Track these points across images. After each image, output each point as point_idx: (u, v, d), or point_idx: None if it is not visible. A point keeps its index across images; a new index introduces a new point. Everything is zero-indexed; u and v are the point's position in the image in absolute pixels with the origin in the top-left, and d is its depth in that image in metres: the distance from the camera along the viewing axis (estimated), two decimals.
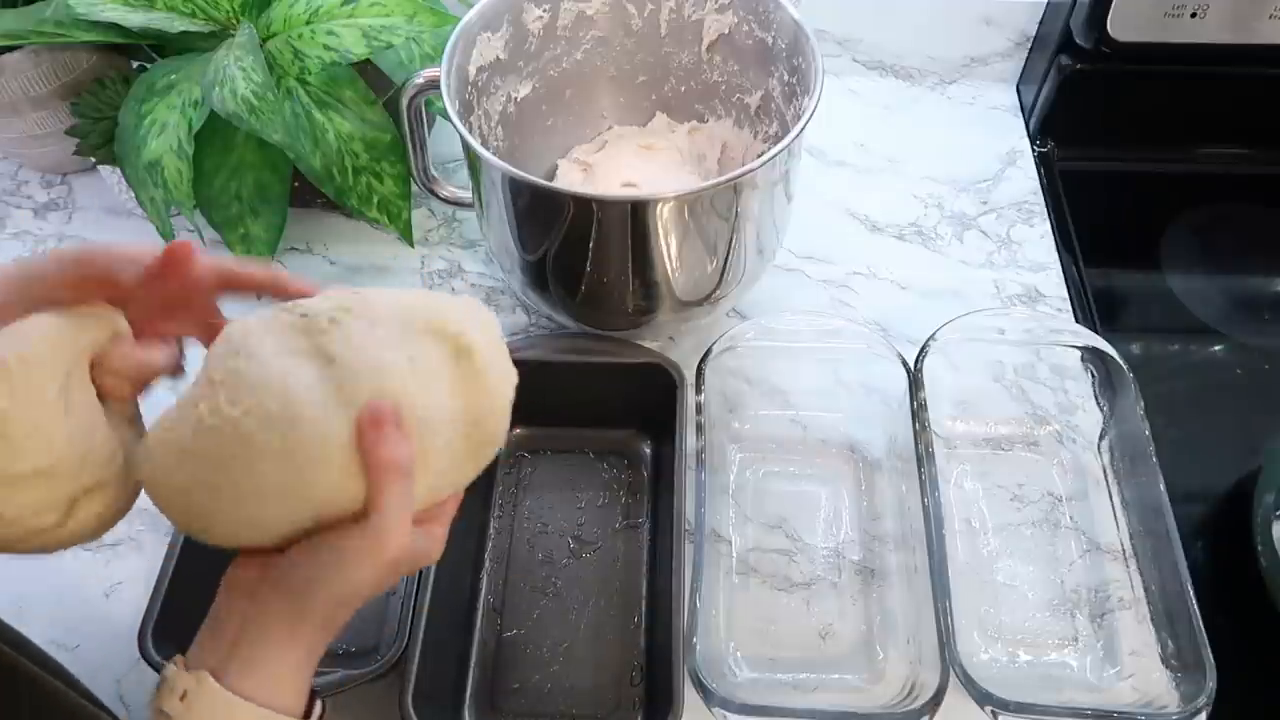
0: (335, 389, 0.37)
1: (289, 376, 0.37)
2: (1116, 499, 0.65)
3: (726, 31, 0.72)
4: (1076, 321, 0.76)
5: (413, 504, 0.38)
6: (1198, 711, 0.51)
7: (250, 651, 0.38)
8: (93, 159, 0.77)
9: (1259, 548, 0.60)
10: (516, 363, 0.65)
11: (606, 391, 0.68)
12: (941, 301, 0.78)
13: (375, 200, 0.75)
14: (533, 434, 0.71)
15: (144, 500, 0.40)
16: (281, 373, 0.37)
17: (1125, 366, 0.64)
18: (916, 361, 0.65)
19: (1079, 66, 0.85)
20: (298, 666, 0.39)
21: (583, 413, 0.69)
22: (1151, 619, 0.59)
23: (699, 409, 0.63)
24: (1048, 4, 0.88)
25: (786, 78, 0.68)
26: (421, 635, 0.54)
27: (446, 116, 0.60)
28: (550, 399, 0.68)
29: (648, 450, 0.70)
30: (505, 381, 0.43)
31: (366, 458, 0.37)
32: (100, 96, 0.72)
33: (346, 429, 0.37)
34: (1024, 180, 0.88)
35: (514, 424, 0.70)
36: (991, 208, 0.86)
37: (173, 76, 0.68)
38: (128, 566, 0.65)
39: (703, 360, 0.65)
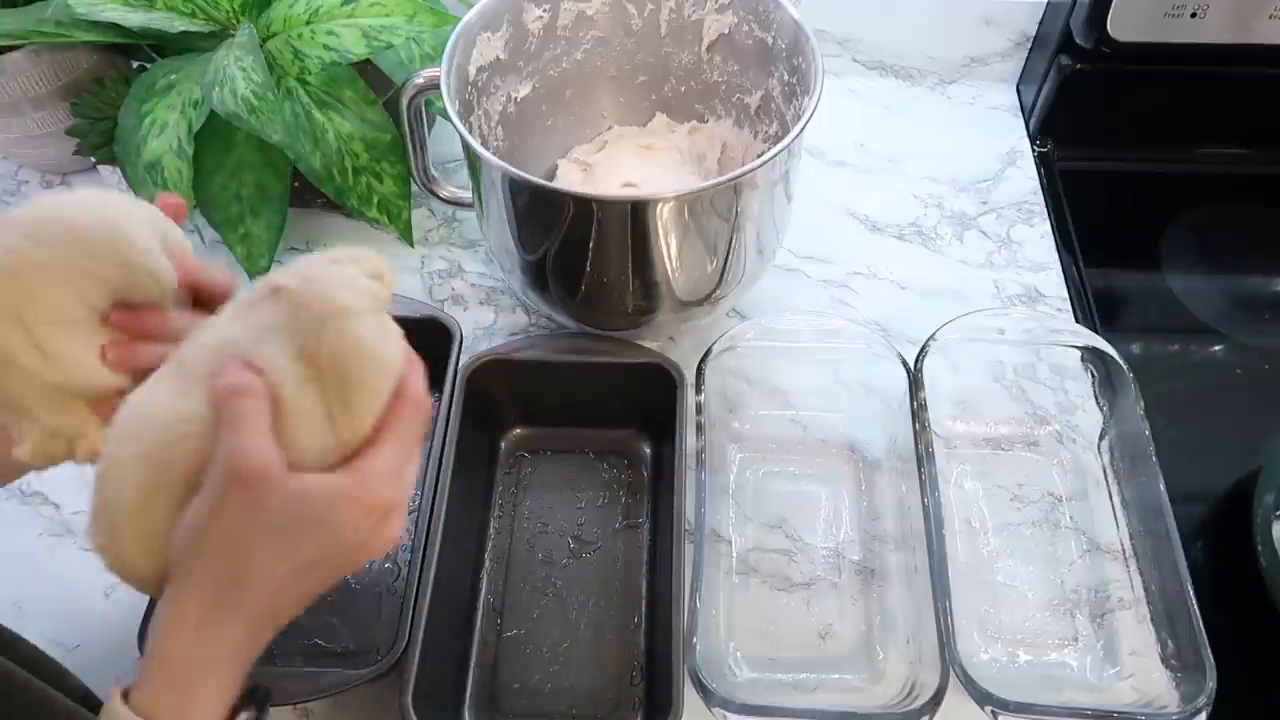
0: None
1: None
2: (1116, 499, 0.65)
3: (726, 31, 0.72)
4: (1076, 321, 0.76)
5: (266, 422, 0.35)
6: (1198, 711, 0.51)
7: (144, 656, 0.36)
8: (93, 159, 0.77)
9: (1259, 548, 0.60)
10: (517, 363, 0.66)
11: (606, 391, 0.68)
12: (941, 301, 0.78)
13: (375, 200, 0.75)
14: (533, 434, 0.71)
15: None
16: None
17: (1125, 366, 0.64)
18: (916, 361, 0.65)
19: (1079, 66, 0.85)
20: (177, 673, 0.35)
21: (583, 413, 0.69)
22: (1151, 619, 0.59)
23: (699, 409, 0.63)
24: (1048, 4, 0.88)
25: (786, 78, 0.68)
26: (421, 635, 0.54)
27: (446, 116, 0.60)
28: (550, 399, 0.68)
29: (648, 450, 0.70)
30: (342, 314, 0.37)
31: (210, 389, 0.35)
32: (100, 96, 0.72)
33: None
34: (1024, 180, 0.88)
35: (514, 424, 0.70)
36: (991, 208, 0.86)
37: (173, 76, 0.68)
38: None
39: (703, 360, 0.65)
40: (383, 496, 0.36)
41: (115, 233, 0.39)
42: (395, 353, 0.38)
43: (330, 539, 0.36)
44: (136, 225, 0.40)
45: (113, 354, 0.40)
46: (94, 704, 0.50)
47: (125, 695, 0.36)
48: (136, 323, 0.40)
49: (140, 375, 0.40)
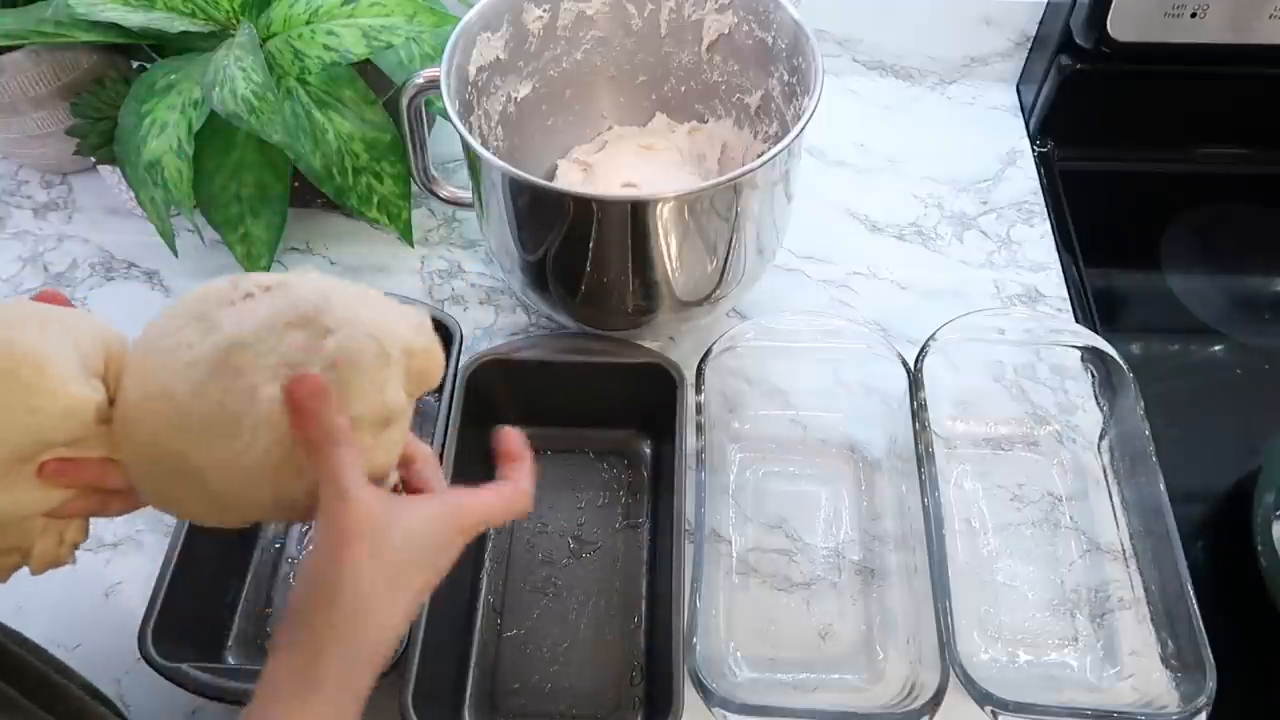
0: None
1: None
2: (1116, 499, 0.65)
3: (726, 31, 0.72)
4: (1076, 321, 0.76)
5: (363, 468, 0.35)
6: (1198, 711, 0.51)
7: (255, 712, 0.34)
8: (93, 159, 0.77)
9: (1259, 548, 0.60)
10: (517, 363, 0.66)
11: (607, 391, 0.68)
12: (941, 301, 0.78)
13: (375, 200, 0.75)
14: (533, 434, 0.70)
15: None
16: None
17: (1125, 366, 0.64)
18: (916, 361, 0.65)
19: (1079, 66, 0.85)
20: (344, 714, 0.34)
21: (583, 413, 0.69)
22: (1151, 619, 0.59)
23: (699, 409, 0.63)
24: (1048, 4, 0.88)
25: (786, 78, 0.68)
26: (421, 635, 0.54)
27: (446, 116, 0.60)
28: (550, 399, 0.68)
29: (648, 450, 0.70)
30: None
31: (301, 435, 0.34)
32: (100, 96, 0.72)
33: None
34: (1024, 180, 0.88)
35: (514, 424, 0.70)
36: (991, 208, 0.86)
37: (173, 76, 0.68)
38: (128, 566, 0.65)
39: (703, 360, 0.65)
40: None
41: (19, 366, 0.35)
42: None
43: (441, 562, 0.38)
44: (48, 350, 0.35)
45: (52, 469, 0.36)
46: (101, 698, 0.50)
47: None
48: (71, 476, 0.37)
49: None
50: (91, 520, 0.41)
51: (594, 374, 0.67)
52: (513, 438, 0.42)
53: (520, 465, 0.41)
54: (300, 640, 0.34)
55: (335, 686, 0.34)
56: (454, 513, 0.38)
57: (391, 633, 0.36)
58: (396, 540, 0.35)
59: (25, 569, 0.40)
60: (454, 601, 0.60)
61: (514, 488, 0.40)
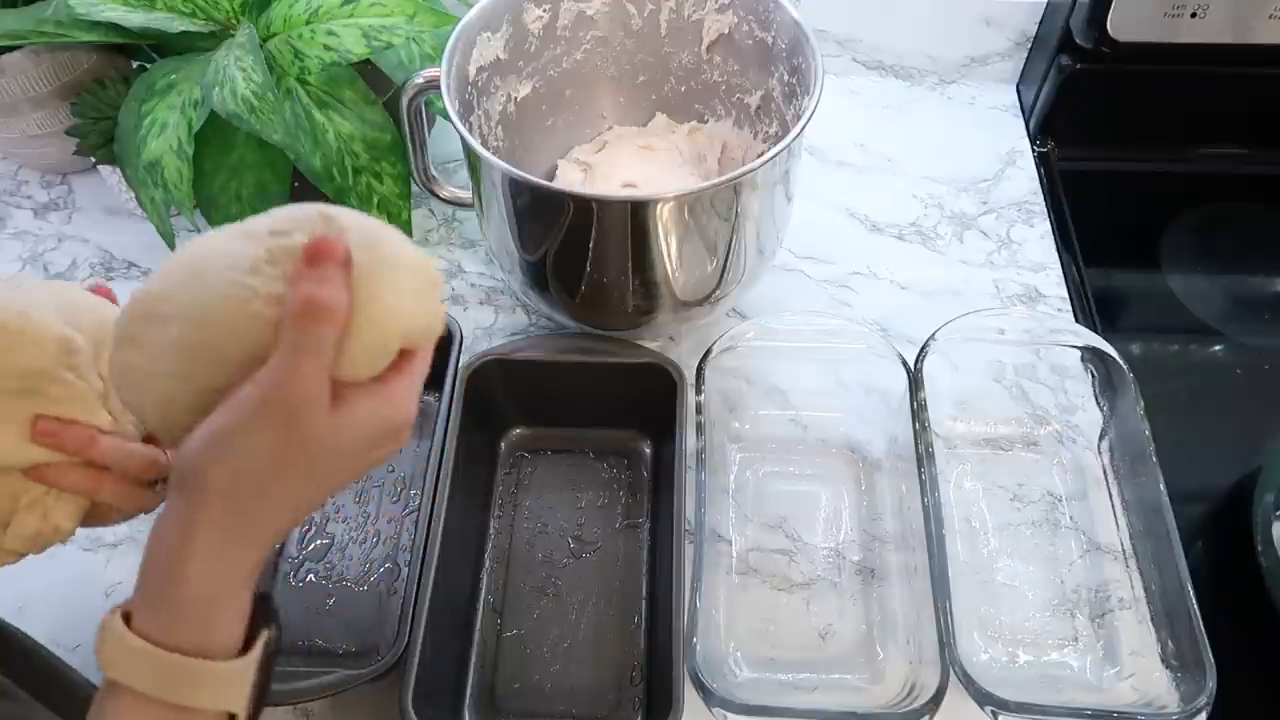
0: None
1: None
2: (1116, 499, 0.65)
3: (726, 31, 0.72)
4: (1076, 321, 0.76)
5: (329, 358, 0.33)
6: (1198, 711, 0.51)
7: (146, 583, 0.34)
8: (93, 159, 0.77)
9: (1259, 548, 0.60)
10: (517, 363, 0.66)
11: (607, 391, 0.68)
12: (941, 301, 0.78)
13: (375, 200, 0.74)
14: (533, 434, 0.71)
15: None
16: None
17: (1125, 366, 0.64)
18: (916, 361, 0.65)
19: (1079, 66, 0.85)
20: (202, 592, 0.33)
21: (583, 413, 0.69)
22: (1151, 619, 0.59)
23: (699, 409, 0.63)
24: (1048, 4, 0.88)
25: (786, 78, 0.68)
26: (421, 635, 0.54)
27: (446, 116, 0.60)
28: (550, 399, 0.68)
29: (648, 450, 0.70)
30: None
31: (293, 293, 0.32)
32: (100, 96, 0.72)
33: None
34: (1024, 180, 0.88)
35: (514, 424, 0.70)
36: (991, 208, 0.86)
37: (173, 76, 0.68)
38: (128, 566, 0.65)
39: (703, 360, 0.65)
40: (409, 417, 0.36)
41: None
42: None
43: (357, 464, 0.35)
44: (32, 302, 0.38)
45: (42, 427, 0.37)
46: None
47: (126, 619, 0.34)
48: (58, 438, 0.38)
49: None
50: None
51: (595, 374, 0.67)
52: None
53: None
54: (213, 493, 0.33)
55: (220, 547, 0.33)
56: (381, 420, 0.36)
57: (290, 515, 0.35)
58: (320, 428, 0.33)
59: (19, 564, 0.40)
60: (454, 602, 0.60)
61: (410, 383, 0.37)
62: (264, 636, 0.35)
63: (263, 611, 0.36)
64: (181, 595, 0.33)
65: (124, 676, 0.34)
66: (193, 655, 0.33)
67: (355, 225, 0.35)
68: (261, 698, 0.36)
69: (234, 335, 0.34)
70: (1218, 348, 0.78)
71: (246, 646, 0.35)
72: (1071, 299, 0.79)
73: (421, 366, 0.37)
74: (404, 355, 0.36)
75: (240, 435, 0.32)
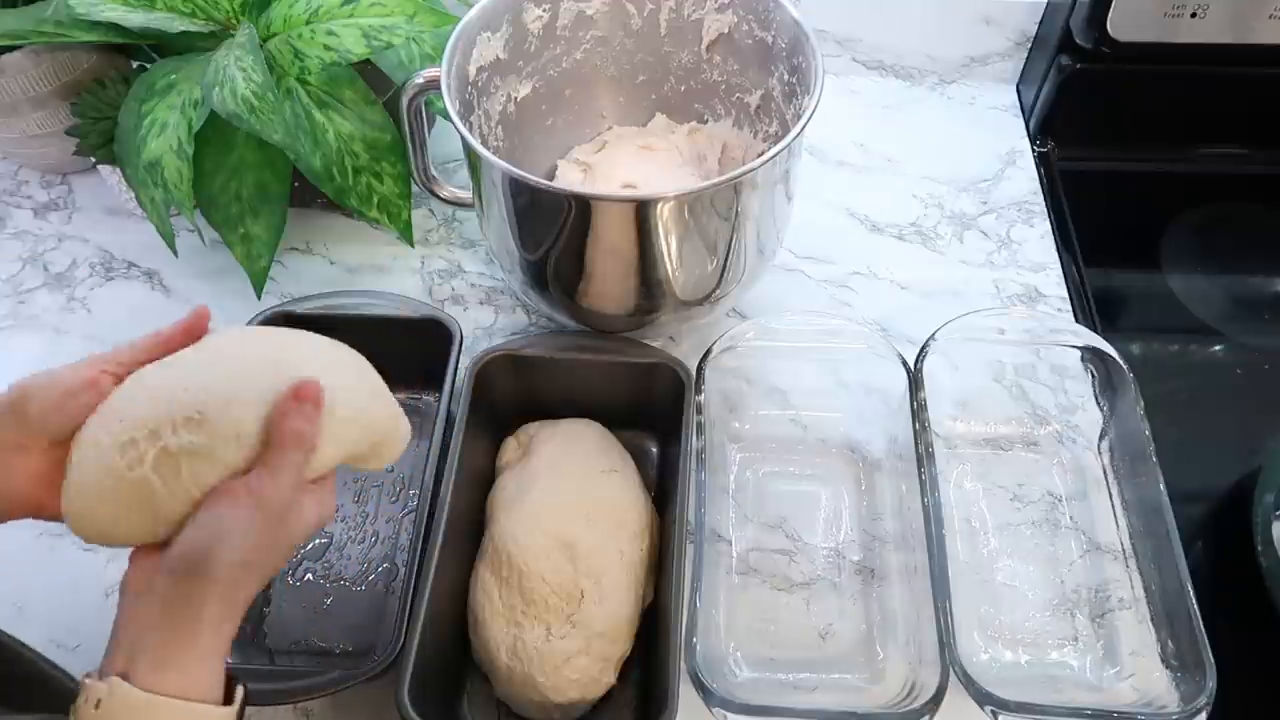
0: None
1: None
2: (1116, 499, 0.65)
3: (726, 31, 0.72)
4: (1076, 321, 0.76)
5: (304, 476, 0.42)
6: (1198, 711, 0.51)
7: (155, 647, 0.38)
8: (93, 159, 0.77)
9: (1259, 548, 0.60)
10: (525, 360, 0.66)
11: (612, 390, 0.68)
12: (941, 301, 0.78)
13: (375, 200, 0.75)
14: None
15: None
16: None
17: (1125, 366, 0.64)
18: (916, 361, 0.65)
19: (1079, 66, 0.85)
20: (207, 653, 0.39)
21: (588, 411, 0.68)
22: (1151, 619, 0.59)
23: (699, 409, 0.63)
24: (1048, 4, 0.88)
25: (786, 77, 0.68)
26: (420, 634, 0.54)
27: (447, 116, 0.60)
28: (555, 397, 0.68)
29: (654, 450, 0.70)
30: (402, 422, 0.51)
31: (274, 425, 0.41)
32: (100, 96, 0.72)
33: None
34: (1024, 180, 0.88)
35: (518, 422, 0.70)
36: (991, 208, 0.86)
37: (173, 76, 0.68)
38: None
39: (703, 360, 0.65)
40: (333, 507, 0.46)
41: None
42: None
43: (302, 540, 0.44)
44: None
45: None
46: None
47: (123, 677, 0.38)
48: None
49: None
50: None
51: (602, 373, 0.67)
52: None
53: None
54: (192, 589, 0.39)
55: (217, 622, 0.40)
56: (323, 511, 0.45)
57: (254, 591, 0.42)
58: (292, 529, 0.42)
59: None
60: (454, 600, 0.60)
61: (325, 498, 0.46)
62: (240, 690, 0.41)
63: (235, 676, 0.42)
64: (192, 655, 0.39)
65: None
66: (202, 703, 0.39)
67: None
68: None
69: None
70: (1218, 348, 0.78)
71: (228, 698, 0.41)
72: (1071, 299, 0.79)
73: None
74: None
75: (239, 530, 0.40)
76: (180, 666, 0.38)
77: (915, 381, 0.64)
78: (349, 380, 0.47)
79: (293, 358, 0.45)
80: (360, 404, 0.47)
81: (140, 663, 0.38)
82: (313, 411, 0.42)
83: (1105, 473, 0.67)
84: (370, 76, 0.73)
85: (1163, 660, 0.57)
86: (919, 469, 0.61)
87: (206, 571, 0.39)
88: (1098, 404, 0.68)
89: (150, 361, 0.44)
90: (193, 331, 0.46)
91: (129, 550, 0.42)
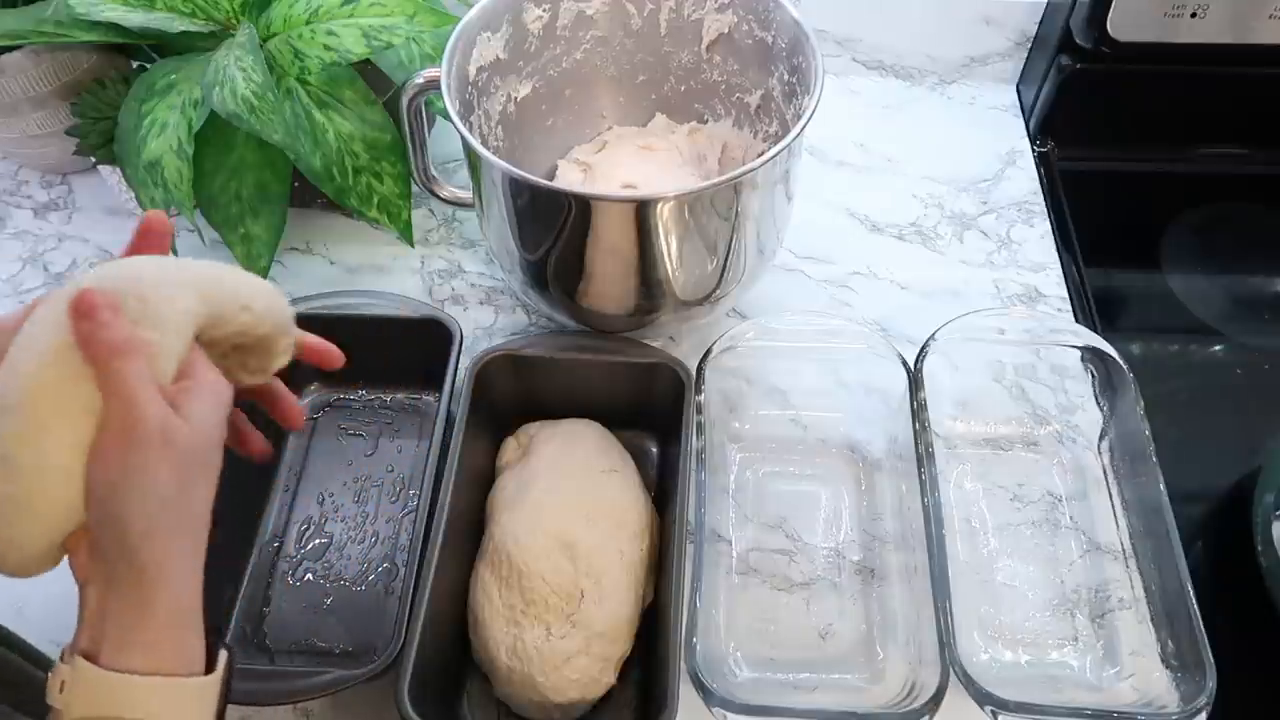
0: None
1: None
2: (1116, 499, 0.65)
3: (726, 31, 0.72)
4: (1076, 321, 0.76)
5: (154, 382, 0.36)
6: (1198, 711, 0.51)
7: (114, 625, 0.36)
8: (93, 159, 0.77)
9: (1259, 548, 0.60)
10: (525, 360, 0.66)
11: (614, 390, 0.68)
12: (941, 301, 0.78)
13: (375, 200, 0.75)
14: None
15: None
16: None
17: (1125, 366, 0.64)
18: (916, 361, 0.65)
19: (1079, 66, 0.85)
20: (170, 621, 0.37)
21: (589, 411, 0.68)
22: (1151, 619, 0.59)
23: (699, 409, 0.63)
24: (1048, 4, 0.88)
25: (786, 77, 0.68)
26: (420, 633, 0.54)
27: (447, 116, 0.60)
28: (556, 397, 0.68)
29: (654, 450, 0.70)
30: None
31: (86, 351, 0.35)
32: (100, 96, 0.72)
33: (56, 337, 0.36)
34: (1024, 180, 0.88)
35: (518, 422, 0.70)
36: (991, 208, 0.86)
37: (173, 76, 0.68)
38: None
39: (703, 360, 0.65)
40: (225, 388, 0.41)
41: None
42: None
43: (215, 450, 0.39)
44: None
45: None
46: None
47: (88, 658, 0.36)
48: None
49: None
50: None
51: (602, 372, 0.67)
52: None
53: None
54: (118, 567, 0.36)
55: (187, 575, 0.37)
56: (214, 402, 0.39)
57: (204, 504, 0.38)
58: (187, 432, 0.37)
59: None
60: (454, 599, 0.60)
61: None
62: (224, 656, 0.39)
63: (216, 640, 0.39)
64: (153, 626, 0.36)
65: (109, 710, 0.35)
66: (174, 676, 0.36)
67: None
68: (223, 714, 0.39)
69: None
70: (1218, 348, 0.78)
71: (209, 668, 0.38)
72: (1071, 299, 0.79)
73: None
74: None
75: (136, 476, 0.35)
76: (144, 642, 0.36)
77: (915, 381, 0.64)
78: (168, 268, 0.41)
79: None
80: (182, 279, 0.40)
81: (104, 644, 0.36)
82: (109, 316, 0.36)
83: (1105, 473, 0.67)
84: (370, 76, 0.73)
85: (1163, 660, 0.57)
86: (919, 469, 0.61)
87: (125, 545, 0.35)
88: (1098, 404, 0.68)
89: None
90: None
91: None
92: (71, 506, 0.36)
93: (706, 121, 0.79)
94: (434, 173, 0.71)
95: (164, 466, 0.36)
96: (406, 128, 0.67)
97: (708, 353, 0.66)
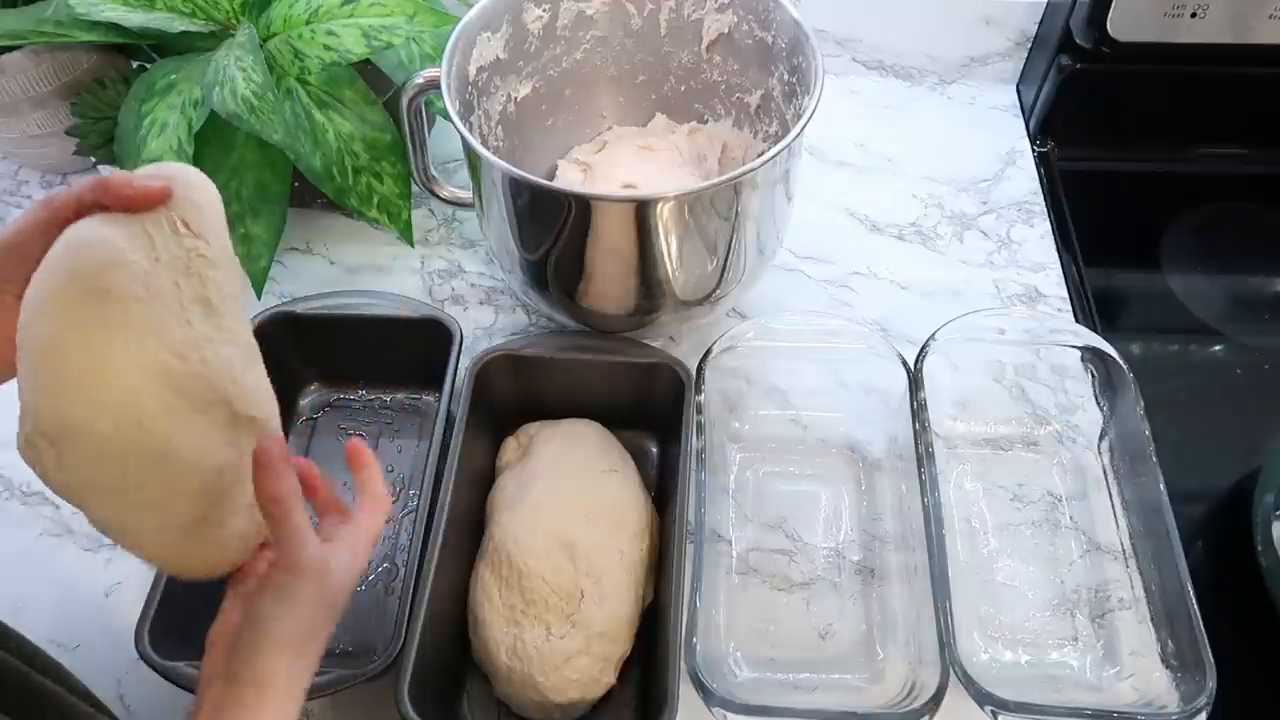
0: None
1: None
2: (1116, 499, 0.65)
3: (726, 31, 0.72)
4: (1076, 321, 0.76)
5: (311, 531, 0.41)
6: (1198, 711, 0.51)
7: None
8: (93, 159, 0.77)
9: (1259, 548, 0.60)
10: (525, 359, 0.66)
11: (614, 390, 0.68)
12: (941, 301, 0.78)
13: (375, 200, 0.75)
14: None
15: None
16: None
17: (1125, 366, 0.64)
18: (916, 361, 0.65)
19: (1079, 66, 0.85)
20: None
21: (589, 411, 0.69)
22: (1151, 619, 0.59)
23: (699, 409, 0.63)
24: (1048, 4, 0.88)
25: (786, 77, 0.68)
26: (420, 634, 0.54)
27: (447, 116, 0.60)
28: (555, 397, 0.68)
29: (654, 450, 0.70)
30: None
31: (262, 496, 0.40)
32: (100, 96, 0.72)
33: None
34: (1024, 180, 0.88)
35: (518, 422, 0.70)
36: (991, 208, 0.86)
37: (173, 76, 0.68)
38: (128, 566, 0.65)
39: (703, 360, 0.65)
40: (380, 527, 0.46)
41: None
42: None
43: (357, 574, 0.44)
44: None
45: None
46: (95, 703, 0.50)
47: None
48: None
49: None
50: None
51: (602, 372, 0.67)
52: (360, 448, 0.47)
53: (372, 469, 0.47)
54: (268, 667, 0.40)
55: (287, 695, 0.40)
56: (364, 546, 0.44)
57: (325, 643, 0.43)
58: (336, 579, 0.42)
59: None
60: (454, 600, 0.60)
61: (376, 494, 0.46)
62: None
63: None
64: None
65: None
66: None
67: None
68: None
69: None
70: (1218, 348, 0.78)
71: None
72: (1071, 299, 0.79)
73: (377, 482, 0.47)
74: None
75: (287, 617, 0.40)
76: None
77: (915, 381, 0.64)
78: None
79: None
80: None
81: None
82: (283, 468, 0.40)
83: (1105, 473, 0.67)
84: (370, 76, 0.73)
85: (1163, 660, 0.57)
86: (919, 469, 0.61)
87: (264, 674, 0.39)
88: (1098, 404, 0.68)
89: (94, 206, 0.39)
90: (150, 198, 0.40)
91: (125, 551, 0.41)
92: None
93: (706, 121, 0.79)
94: (434, 173, 0.71)
95: (314, 604, 0.41)
96: (406, 128, 0.67)
97: (708, 353, 0.66)
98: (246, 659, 0.39)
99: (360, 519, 0.45)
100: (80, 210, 0.38)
